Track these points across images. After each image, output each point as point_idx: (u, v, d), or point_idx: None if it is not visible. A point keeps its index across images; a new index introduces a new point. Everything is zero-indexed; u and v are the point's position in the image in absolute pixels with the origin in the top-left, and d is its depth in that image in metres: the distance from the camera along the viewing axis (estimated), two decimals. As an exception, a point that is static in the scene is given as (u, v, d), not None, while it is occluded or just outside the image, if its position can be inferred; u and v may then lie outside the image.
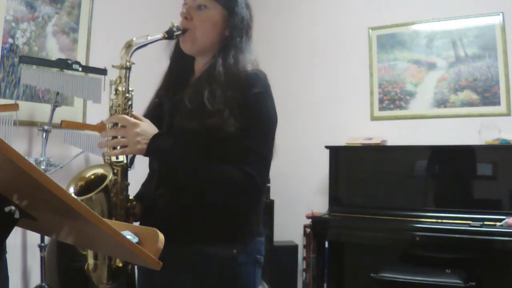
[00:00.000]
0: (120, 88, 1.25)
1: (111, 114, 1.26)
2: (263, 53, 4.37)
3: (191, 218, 1.23)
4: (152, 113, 1.36)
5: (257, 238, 1.29)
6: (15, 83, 2.67)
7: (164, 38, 1.27)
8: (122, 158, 1.24)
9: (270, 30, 4.03)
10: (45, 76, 2.60)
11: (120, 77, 1.26)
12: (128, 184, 1.26)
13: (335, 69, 3.75)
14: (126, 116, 1.22)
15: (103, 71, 2.83)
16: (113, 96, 1.26)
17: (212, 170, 1.20)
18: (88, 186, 1.21)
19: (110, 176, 1.20)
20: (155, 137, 1.21)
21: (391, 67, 3.56)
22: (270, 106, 1.27)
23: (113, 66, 1.27)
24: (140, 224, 1.31)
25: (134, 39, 1.25)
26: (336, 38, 3.77)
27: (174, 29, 1.27)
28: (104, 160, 1.26)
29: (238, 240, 1.24)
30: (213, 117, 1.18)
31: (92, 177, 1.23)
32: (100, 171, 1.23)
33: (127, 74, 1.26)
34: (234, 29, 1.30)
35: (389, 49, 3.57)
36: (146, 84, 1.52)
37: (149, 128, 1.23)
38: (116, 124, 1.22)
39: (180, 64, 1.39)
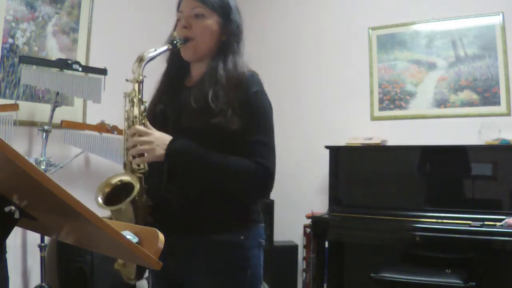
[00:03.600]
0: (135, 100, 1.35)
1: (128, 125, 1.36)
2: (264, 54, 4.41)
3: (200, 212, 1.33)
4: (159, 118, 1.43)
5: (259, 224, 1.42)
6: (15, 83, 2.67)
7: (169, 49, 1.37)
8: (142, 165, 1.33)
9: (270, 30, 4.03)
10: (45, 76, 2.60)
11: (134, 90, 1.36)
12: (146, 187, 1.34)
13: (335, 69, 3.75)
14: (141, 127, 1.33)
15: (103, 71, 2.83)
16: (127, 108, 1.36)
17: (230, 166, 1.31)
18: (114, 193, 1.29)
19: (138, 187, 1.27)
20: (171, 142, 1.31)
21: (391, 67, 3.56)
22: (267, 101, 1.41)
23: (127, 80, 1.37)
24: (151, 219, 1.39)
25: (145, 53, 1.35)
26: (336, 38, 3.77)
27: (177, 40, 1.37)
28: (125, 168, 1.35)
29: (244, 227, 1.37)
30: (218, 117, 1.29)
31: (118, 183, 1.31)
32: (126, 178, 1.31)
33: (141, 87, 1.37)
34: (231, 35, 1.41)
35: (389, 49, 3.57)
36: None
37: (164, 136, 1.33)
38: (133, 135, 1.32)
39: (177, 67, 1.48)
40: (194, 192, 1.34)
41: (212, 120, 1.29)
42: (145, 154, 1.30)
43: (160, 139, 1.31)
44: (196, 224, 1.32)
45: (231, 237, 1.34)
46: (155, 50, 1.36)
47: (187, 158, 1.33)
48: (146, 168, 1.34)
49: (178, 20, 1.43)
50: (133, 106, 1.35)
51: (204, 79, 1.38)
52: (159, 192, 1.36)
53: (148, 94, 1.45)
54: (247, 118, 1.32)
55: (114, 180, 1.31)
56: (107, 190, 1.30)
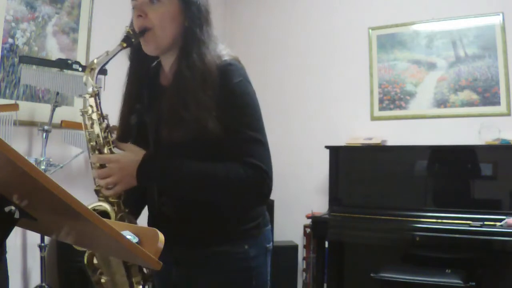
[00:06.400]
0: (94, 117, 1.21)
1: (92, 148, 1.22)
2: (264, 53, 4.41)
3: (198, 224, 1.24)
4: (135, 133, 1.31)
5: (265, 228, 1.30)
6: (15, 83, 2.67)
7: (123, 48, 1.22)
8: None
9: (271, 29, 4.04)
10: (45, 76, 2.60)
11: (91, 106, 1.21)
12: (127, 210, 1.23)
13: (335, 69, 3.75)
14: (105, 156, 1.19)
15: (103, 71, 2.83)
16: (88, 127, 1.21)
17: (218, 178, 1.16)
18: None
19: (113, 215, 1.17)
20: (141, 166, 1.17)
21: (391, 67, 3.56)
22: (252, 92, 1.23)
23: (80, 96, 1.26)
24: None
25: (95, 60, 1.22)
26: (336, 38, 3.77)
27: (131, 35, 1.21)
28: (98, 195, 1.22)
29: (248, 235, 1.25)
30: (193, 126, 1.14)
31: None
32: (100, 207, 1.19)
33: (98, 100, 1.22)
34: (192, 20, 1.21)
35: (389, 49, 3.57)
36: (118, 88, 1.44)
37: (132, 159, 1.18)
38: (97, 166, 1.19)
39: (143, 64, 1.33)
40: (191, 205, 1.23)
41: (188, 131, 1.14)
42: (116, 185, 1.17)
43: (128, 165, 1.16)
44: (195, 236, 1.23)
45: (233, 247, 1.23)
46: (107, 53, 1.21)
47: (164, 180, 1.19)
48: (121, 195, 1.21)
49: (133, 8, 1.24)
50: (93, 124, 1.20)
51: (172, 85, 1.21)
52: (155, 205, 1.28)
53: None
54: (231, 114, 1.16)
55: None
56: None
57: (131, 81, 1.32)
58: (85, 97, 1.22)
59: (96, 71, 1.21)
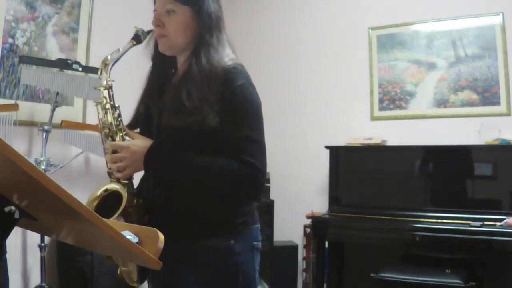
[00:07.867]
0: (107, 107, 1.34)
1: (105, 135, 1.34)
2: (264, 53, 4.40)
3: (187, 217, 1.29)
4: (142, 121, 1.42)
5: (253, 226, 1.35)
6: (15, 83, 2.67)
7: (133, 45, 1.36)
8: None
9: (270, 30, 4.04)
10: (45, 76, 2.60)
11: (105, 97, 1.34)
12: (135, 192, 1.34)
13: (335, 69, 3.75)
14: (117, 143, 1.31)
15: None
16: (101, 116, 1.34)
17: (213, 170, 1.25)
18: (103, 204, 1.28)
19: (125, 196, 1.26)
20: (148, 154, 1.28)
21: (391, 67, 3.56)
22: (254, 94, 1.32)
23: (95, 88, 1.37)
24: (147, 218, 1.37)
25: (108, 56, 1.35)
26: (336, 38, 3.77)
27: (140, 33, 1.37)
28: (110, 176, 1.34)
29: (234, 231, 1.30)
30: (193, 115, 1.24)
31: (104, 193, 1.30)
32: (112, 187, 1.30)
33: (111, 92, 1.35)
34: (203, 27, 1.33)
35: (389, 49, 3.57)
36: (130, 85, 1.54)
37: (141, 146, 1.30)
38: (111, 151, 1.31)
39: (162, 63, 1.44)
40: (180, 196, 1.30)
41: (187, 119, 1.24)
42: (125, 169, 1.29)
43: (137, 152, 1.29)
44: (183, 229, 1.27)
45: (220, 242, 1.28)
46: (119, 50, 1.35)
47: (166, 168, 1.30)
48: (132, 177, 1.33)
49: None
50: (106, 113, 1.33)
51: (180, 79, 1.34)
52: (149, 196, 1.34)
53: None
54: (232, 114, 1.25)
55: (100, 191, 1.30)
56: (95, 203, 1.28)
57: (150, 79, 1.46)
58: (100, 89, 1.35)
59: (110, 66, 1.34)
